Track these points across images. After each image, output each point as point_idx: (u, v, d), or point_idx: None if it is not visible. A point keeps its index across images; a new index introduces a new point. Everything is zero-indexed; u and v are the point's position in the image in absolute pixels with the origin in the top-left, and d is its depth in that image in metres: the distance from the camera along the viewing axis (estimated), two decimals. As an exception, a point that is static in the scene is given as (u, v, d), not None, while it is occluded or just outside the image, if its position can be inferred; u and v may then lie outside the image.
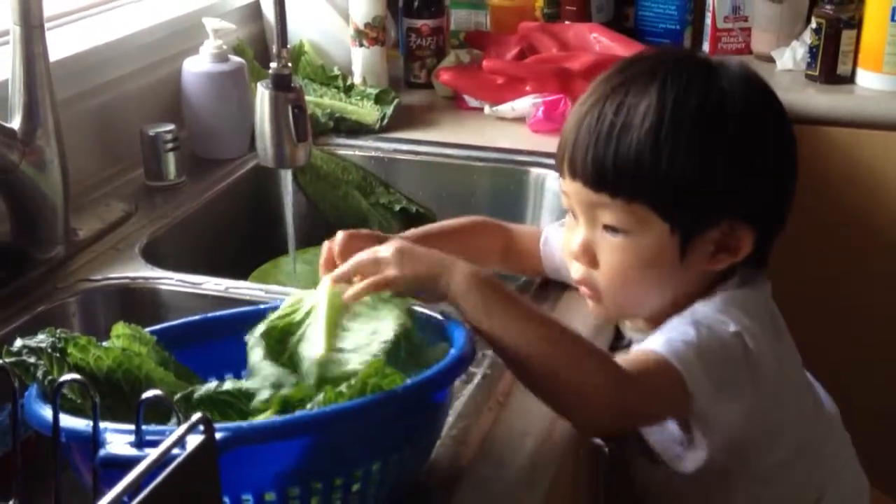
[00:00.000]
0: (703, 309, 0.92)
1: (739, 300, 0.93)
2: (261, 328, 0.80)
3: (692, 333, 0.89)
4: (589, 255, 0.95)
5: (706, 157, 0.91)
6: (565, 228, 1.00)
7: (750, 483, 1.01)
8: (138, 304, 1.14)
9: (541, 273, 1.14)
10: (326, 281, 0.84)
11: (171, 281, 1.15)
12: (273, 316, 0.81)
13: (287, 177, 1.32)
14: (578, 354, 0.83)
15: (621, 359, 0.87)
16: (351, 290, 0.82)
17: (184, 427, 0.58)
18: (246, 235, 1.47)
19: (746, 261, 0.96)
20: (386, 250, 0.84)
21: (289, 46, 1.26)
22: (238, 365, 0.82)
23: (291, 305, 0.82)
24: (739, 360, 0.89)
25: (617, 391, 0.83)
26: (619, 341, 1.07)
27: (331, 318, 0.79)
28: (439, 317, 0.84)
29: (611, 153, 0.90)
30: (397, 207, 1.51)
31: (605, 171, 0.91)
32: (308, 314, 0.81)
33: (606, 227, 0.93)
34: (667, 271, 0.93)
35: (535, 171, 1.46)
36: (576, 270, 0.98)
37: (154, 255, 1.22)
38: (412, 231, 1.12)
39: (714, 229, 0.93)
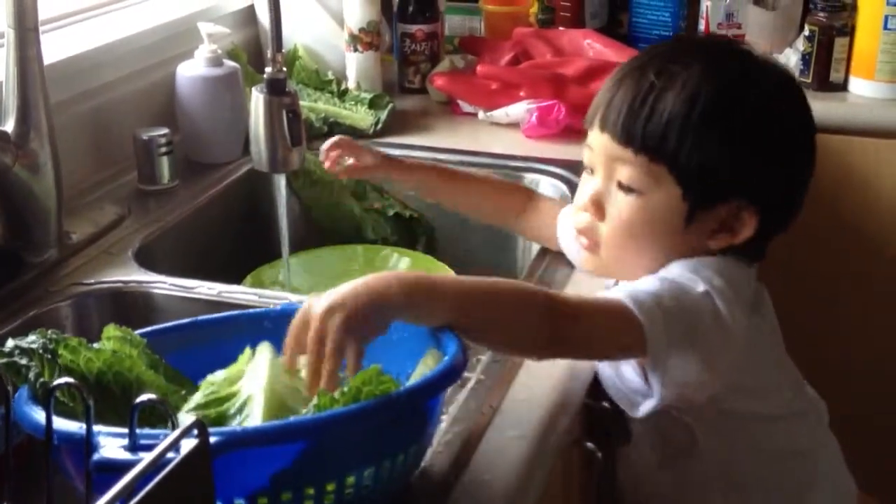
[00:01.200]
0: (676, 268, 0.96)
1: (714, 264, 0.96)
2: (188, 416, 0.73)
3: (657, 286, 0.92)
4: (598, 207, 0.99)
5: (733, 138, 0.95)
6: (580, 183, 1.04)
7: (731, 489, 1.04)
8: (131, 307, 1.14)
9: (553, 244, 1.19)
10: (264, 366, 0.78)
11: (163, 285, 1.15)
12: (198, 399, 0.76)
13: (281, 181, 1.32)
14: (513, 305, 0.86)
15: (578, 297, 0.93)
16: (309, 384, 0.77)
17: (178, 431, 0.58)
18: (239, 240, 1.46)
19: (742, 249, 0.99)
20: (316, 315, 0.77)
21: (283, 51, 1.26)
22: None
23: (220, 387, 0.77)
24: (705, 318, 0.92)
25: (550, 323, 0.86)
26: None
27: (269, 416, 0.74)
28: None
29: (645, 111, 0.95)
30: (391, 212, 1.51)
31: (636, 127, 0.95)
32: (242, 408, 0.76)
33: (621, 186, 0.97)
34: (668, 237, 0.97)
35: (529, 176, 1.46)
36: (581, 220, 1.01)
37: (147, 259, 1.22)
38: (442, 167, 1.23)
39: (722, 206, 0.96)
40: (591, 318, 0.89)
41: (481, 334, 0.85)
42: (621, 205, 0.97)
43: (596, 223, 0.99)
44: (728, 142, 0.95)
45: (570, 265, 1.17)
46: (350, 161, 1.26)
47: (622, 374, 0.97)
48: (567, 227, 1.13)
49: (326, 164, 1.26)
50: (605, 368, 0.99)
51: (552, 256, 1.20)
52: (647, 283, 0.93)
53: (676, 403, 0.97)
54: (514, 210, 1.23)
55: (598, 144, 0.99)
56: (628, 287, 0.93)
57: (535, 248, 1.28)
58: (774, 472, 1.07)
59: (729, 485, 1.06)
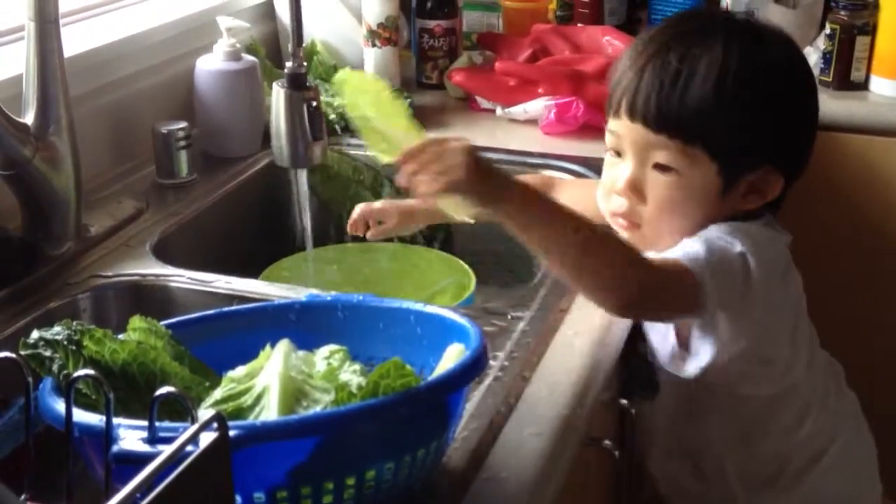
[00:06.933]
0: (714, 230, 1.00)
1: (747, 228, 1.00)
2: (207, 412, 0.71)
3: (704, 249, 0.97)
4: (637, 191, 1.03)
5: (761, 111, 1.01)
6: (605, 167, 1.07)
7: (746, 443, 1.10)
8: (149, 300, 1.14)
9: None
10: (277, 364, 0.78)
11: (181, 278, 1.15)
12: (218, 395, 0.76)
13: (302, 176, 1.32)
14: (604, 244, 0.94)
15: (647, 256, 0.97)
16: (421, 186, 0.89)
17: (197, 424, 0.58)
18: (256, 234, 1.46)
19: (769, 205, 1.05)
20: (454, 152, 0.89)
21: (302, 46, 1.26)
22: (253, 360, 0.81)
23: (240, 382, 0.77)
24: (738, 276, 0.97)
25: (637, 270, 0.93)
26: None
27: (285, 404, 0.74)
28: (455, 318, 0.84)
29: (675, 98, 0.98)
30: (408, 208, 1.50)
31: (670, 114, 0.99)
32: (259, 399, 0.75)
33: (658, 166, 1.01)
34: (706, 208, 1.02)
35: (546, 173, 1.45)
36: (619, 205, 1.04)
37: (165, 253, 1.22)
38: None
39: (753, 172, 1.02)
40: (664, 276, 0.95)
41: (575, 274, 0.92)
42: (660, 185, 1.01)
43: (636, 206, 1.03)
44: (757, 115, 1.00)
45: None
46: (382, 225, 1.27)
47: (667, 338, 1.03)
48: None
49: (368, 235, 1.28)
50: (656, 332, 1.06)
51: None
52: (695, 246, 0.97)
53: (718, 367, 1.02)
54: None
55: (627, 132, 1.02)
56: (679, 250, 0.97)
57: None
58: (785, 444, 1.12)
59: (739, 455, 1.11)
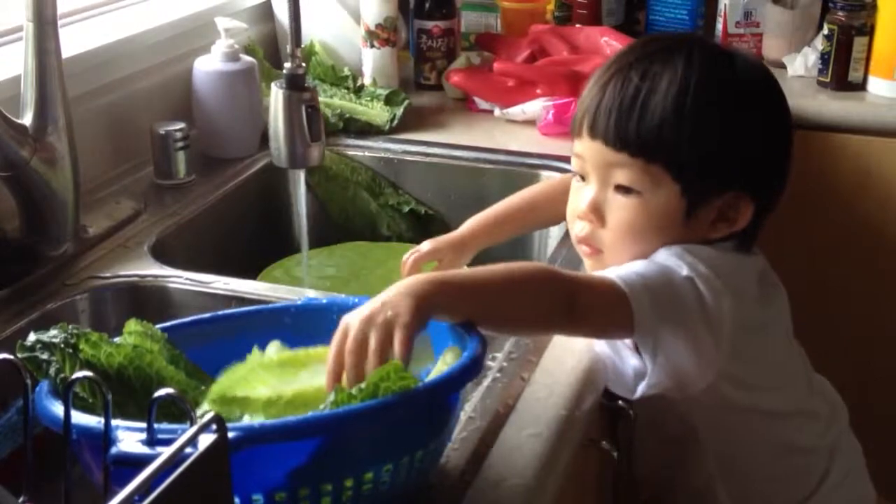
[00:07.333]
0: (662, 253, 0.97)
1: (700, 252, 0.96)
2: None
3: (644, 267, 0.95)
4: (597, 214, 0.99)
5: (725, 128, 0.97)
6: (571, 192, 1.04)
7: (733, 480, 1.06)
8: (147, 301, 1.14)
9: None
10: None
11: (179, 279, 1.15)
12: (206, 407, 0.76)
13: (300, 177, 1.32)
14: (535, 293, 0.88)
15: (572, 273, 0.96)
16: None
17: (197, 426, 0.58)
18: (254, 235, 1.46)
19: (739, 234, 1.01)
20: (352, 329, 0.77)
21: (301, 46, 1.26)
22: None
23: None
24: (689, 301, 0.93)
25: (561, 284, 0.89)
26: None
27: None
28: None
29: (635, 115, 0.95)
30: (406, 209, 1.50)
31: (629, 132, 0.96)
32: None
33: (619, 188, 0.98)
34: (669, 232, 0.98)
35: (545, 174, 1.46)
36: (580, 229, 1.02)
37: (163, 254, 1.22)
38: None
39: (719, 198, 0.98)
40: (589, 291, 0.91)
41: (504, 322, 0.87)
42: (621, 208, 0.98)
43: (596, 230, 1.00)
44: (721, 134, 0.97)
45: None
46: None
47: (623, 359, 0.98)
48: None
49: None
50: (604, 350, 1.00)
51: (569, 249, 1.20)
52: (634, 266, 0.95)
53: (672, 390, 0.98)
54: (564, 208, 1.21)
55: (589, 153, 0.99)
56: (617, 269, 0.95)
57: (551, 241, 1.28)
58: (778, 468, 1.07)
59: (731, 476, 1.07)
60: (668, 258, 0.95)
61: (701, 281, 0.93)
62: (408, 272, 1.18)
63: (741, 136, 0.98)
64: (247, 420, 0.74)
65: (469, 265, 1.23)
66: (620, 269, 0.94)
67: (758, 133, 0.99)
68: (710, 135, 0.96)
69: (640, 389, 0.96)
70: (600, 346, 1.01)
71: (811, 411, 1.10)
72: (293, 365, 0.79)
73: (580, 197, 1.01)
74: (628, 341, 0.97)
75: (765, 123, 1.00)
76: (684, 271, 0.94)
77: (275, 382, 0.76)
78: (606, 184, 0.99)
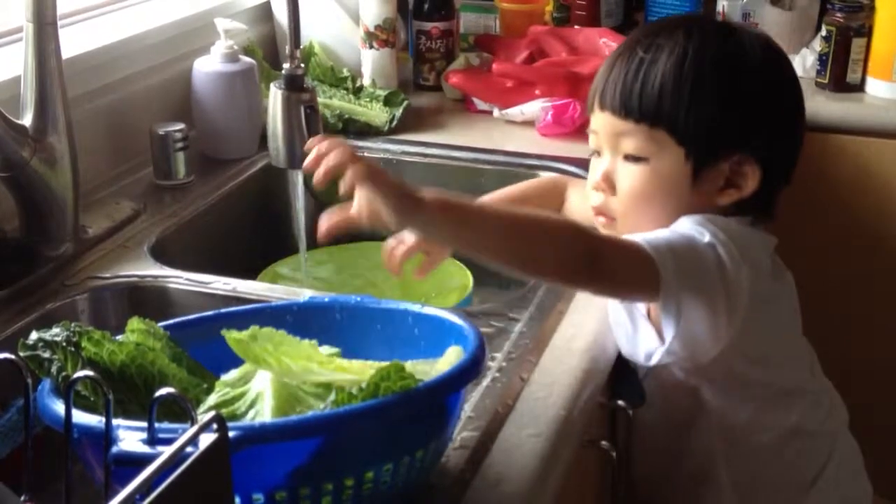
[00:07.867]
0: (685, 221, 0.99)
1: (720, 222, 0.99)
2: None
3: (668, 233, 0.97)
4: (609, 183, 1.03)
5: (724, 90, 1.00)
6: (590, 168, 1.08)
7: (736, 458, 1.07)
8: (146, 302, 1.14)
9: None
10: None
11: (179, 280, 1.15)
12: (212, 401, 0.76)
13: (298, 177, 1.32)
14: (537, 223, 0.92)
15: (601, 233, 1.00)
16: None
17: (197, 425, 0.58)
18: (254, 235, 1.47)
19: (753, 206, 1.03)
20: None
21: (300, 47, 1.26)
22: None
23: (233, 387, 0.77)
24: (711, 267, 0.95)
25: (585, 240, 0.92)
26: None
27: (279, 410, 0.74)
28: (453, 319, 0.84)
29: (638, 83, 1.00)
30: (405, 209, 1.50)
31: (632, 98, 1.00)
32: (252, 405, 0.76)
33: (627, 157, 1.02)
34: (677, 198, 1.01)
35: (543, 174, 1.45)
36: (595, 199, 1.05)
37: (162, 254, 1.22)
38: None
39: (724, 161, 1.01)
40: (615, 251, 0.94)
41: (521, 263, 0.90)
42: (630, 175, 1.02)
43: (609, 199, 1.04)
44: (719, 95, 1.00)
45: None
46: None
47: (637, 328, 1.01)
48: (575, 206, 1.19)
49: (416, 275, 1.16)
50: (619, 316, 1.03)
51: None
52: (659, 232, 0.97)
53: (684, 360, 1.00)
54: (555, 206, 1.24)
55: (599, 124, 1.04)
56: (643, 234, 0.97)
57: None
58: (782, 449, 1.08)
59: (736, 456, 1.08)
60: (692, 227, 0.98)
61: (722, 248, 0.95)
62: (395, 269, 1.12)
63: (740, 98, 1.01)
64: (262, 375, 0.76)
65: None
66: (647, 234, 0.96)
67: (757, 96, 1.02)
68: (709, 97, 0.99)
69: (658, 356, 0.99)
70: (615, 313, 1.04)
71: (814, 394, 1.12)
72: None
73: (595, 170, 1.05)
74: (643, 308, 1.00)
75: (765, 87, 1.03)
76: (706, 238, 0.96)
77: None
78: (616, 153, 1.03)
